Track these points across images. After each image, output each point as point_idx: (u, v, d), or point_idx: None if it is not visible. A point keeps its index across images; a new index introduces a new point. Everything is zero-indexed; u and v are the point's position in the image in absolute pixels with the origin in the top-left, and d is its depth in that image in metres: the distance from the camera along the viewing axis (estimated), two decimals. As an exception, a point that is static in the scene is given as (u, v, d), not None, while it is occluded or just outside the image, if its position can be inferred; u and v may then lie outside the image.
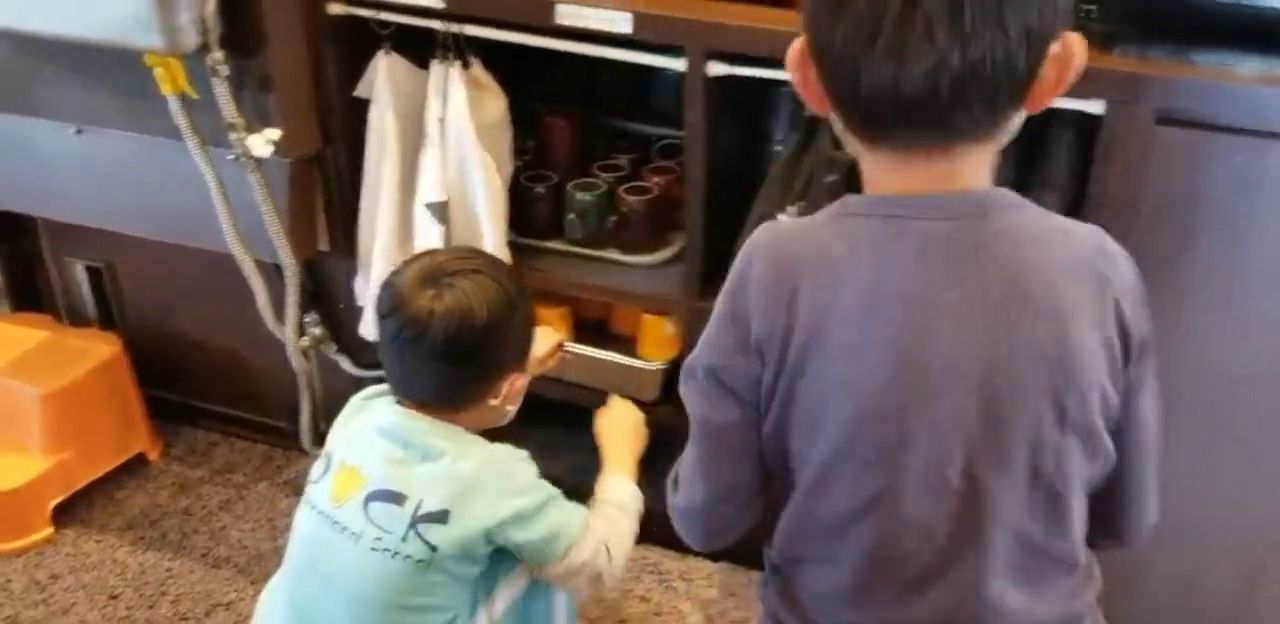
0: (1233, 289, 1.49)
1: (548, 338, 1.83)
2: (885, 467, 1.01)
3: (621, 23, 1.60)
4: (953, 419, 0.98)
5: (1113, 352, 0.99)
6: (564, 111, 2.05)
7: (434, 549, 1.41)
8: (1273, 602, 1.69)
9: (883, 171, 0.99)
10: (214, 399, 2.37)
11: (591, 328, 2.02)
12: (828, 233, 1.01)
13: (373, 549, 1.42)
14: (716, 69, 1.60)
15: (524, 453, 1.50)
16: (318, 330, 2.09)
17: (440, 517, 1.41)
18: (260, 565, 2.02)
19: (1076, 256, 0.99)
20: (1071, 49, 0.93)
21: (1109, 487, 1.09)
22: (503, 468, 1.46)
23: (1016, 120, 0.98)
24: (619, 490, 1.60)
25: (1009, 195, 1.00)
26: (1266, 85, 1.41)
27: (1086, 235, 1.01)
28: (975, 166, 0.98)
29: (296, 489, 1.59)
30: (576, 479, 1.65)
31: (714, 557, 1.97)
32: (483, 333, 1.44)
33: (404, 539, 1.41)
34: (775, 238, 1.05)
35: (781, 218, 1.03)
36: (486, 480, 1.43)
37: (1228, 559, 1.68)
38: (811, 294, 0.99)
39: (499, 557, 1.49)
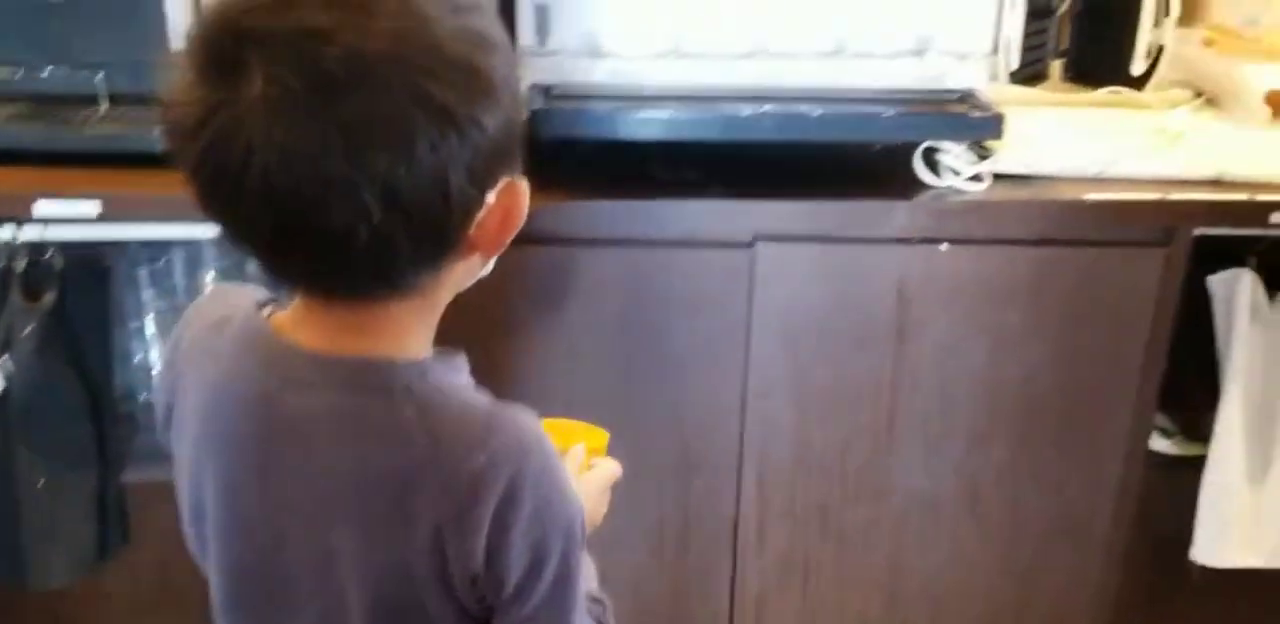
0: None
1: None
2: None
3: None
4: None
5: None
6: None
7: None
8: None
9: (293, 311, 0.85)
10: None
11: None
12: (234, 344, 0.86)
13: None
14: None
15: None
16: None
17: None
18: None
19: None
20: (513, 197, 0.80)
21: None
22: None
23: (453, 271, 0.82)
24: None
25: (409, 372, 0.82)
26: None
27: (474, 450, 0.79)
28: (395, 327, 0.83)
29: None
30: None
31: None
32: None
33: None
34: (205, 312, 0.91)
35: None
36: None
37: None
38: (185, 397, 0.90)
39: None
